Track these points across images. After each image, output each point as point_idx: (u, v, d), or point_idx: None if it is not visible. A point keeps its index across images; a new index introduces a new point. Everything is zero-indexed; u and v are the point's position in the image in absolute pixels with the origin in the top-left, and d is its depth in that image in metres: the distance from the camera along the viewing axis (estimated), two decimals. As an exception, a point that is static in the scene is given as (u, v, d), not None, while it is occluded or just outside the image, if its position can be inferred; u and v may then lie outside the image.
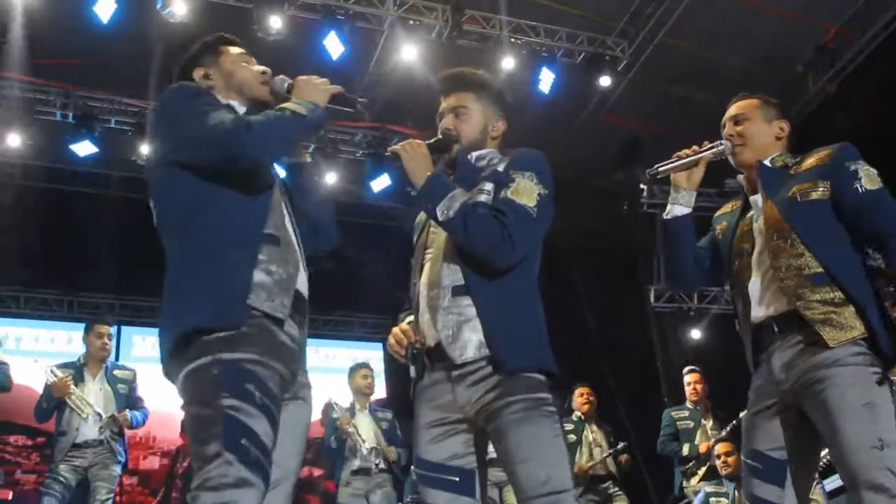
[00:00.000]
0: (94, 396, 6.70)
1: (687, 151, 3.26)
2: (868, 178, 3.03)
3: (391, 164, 3.14)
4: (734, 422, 7.51)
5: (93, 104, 9.86)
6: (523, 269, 2.91)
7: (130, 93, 9.88)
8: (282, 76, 2.90)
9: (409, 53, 9.20)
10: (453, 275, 2.88)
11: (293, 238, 2.74)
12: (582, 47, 9.81)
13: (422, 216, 3.19)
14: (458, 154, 3.06)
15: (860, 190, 3.01)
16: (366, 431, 7.39)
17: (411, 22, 9.11)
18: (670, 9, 9.91)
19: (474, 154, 3.09)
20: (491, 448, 2.86)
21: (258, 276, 2.52)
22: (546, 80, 9.51)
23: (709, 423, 7.69)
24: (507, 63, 9.30)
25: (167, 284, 2.61)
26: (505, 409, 2.73)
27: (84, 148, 9.79)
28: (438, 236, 2.98)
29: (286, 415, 2.55)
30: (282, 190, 2.85)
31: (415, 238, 3.16)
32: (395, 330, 3.02)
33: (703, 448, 7.44)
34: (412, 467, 3.01)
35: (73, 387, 6.54)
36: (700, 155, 3.24)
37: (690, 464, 7.51)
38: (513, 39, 9.43)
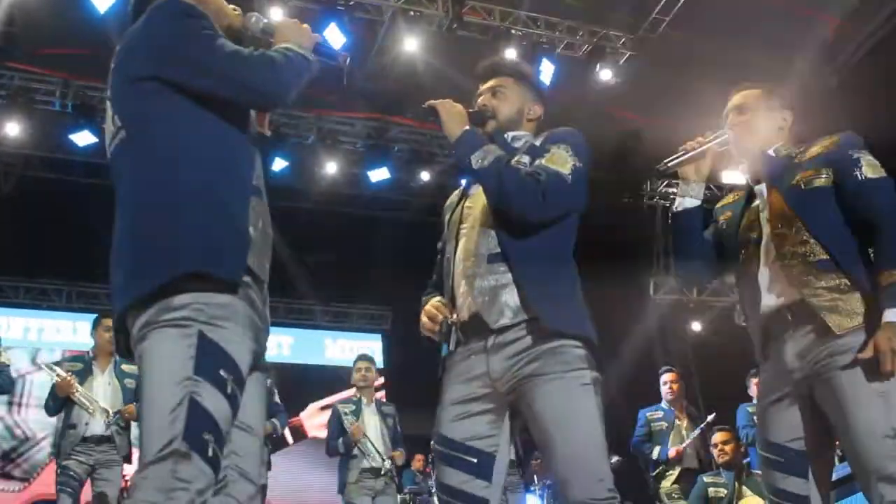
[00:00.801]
0: (102, 390, 6.69)
1: (692, 143, 3.24)
2: (869, 166, 3.00)
3: (427, 118, 3.03)
4: (702, 425, 7.57)
5: (92, 94, 9.86)
6: (559, 240, 2.91)
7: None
8: (256, 14, 2.66)
9: (409, 44, 9.18)
10: (489, 242, 2.87)
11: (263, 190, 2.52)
12: (583, 39, 9.79)
13: (453, 197, 3.22)
14: (493, 132, 3.07)
15: (860, 177, 2.98)
16: (373, 431, 7.35)
17: (412, 13, 9.09)
18: (671, 1, 9.89)
19: (510, 134, 3.10)
20: None
21: (251, 231, 2.32)
22: (546, 71, 9.50)
23: (683, 424, 7.66)
24: (510, 54, 9.27)
25: (136, 227, 2.33)
26: (539, 387, 2.72)
27: (83, 138, 9.80)
28: (474, 209, 2.98)
29: (250, 382, 2.35)
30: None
31: (447, 217, 3.15)
32: (427, 307, 2.98)
33: (672, 454, 7.42)
34: (433, 443, 2.96)
35: (76, 385, 6.54)
36: (706, 146, 3.22)
37: (660, 467, 7.50)
38: (514, 31, 9.41)
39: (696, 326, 12.56)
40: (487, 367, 2.81)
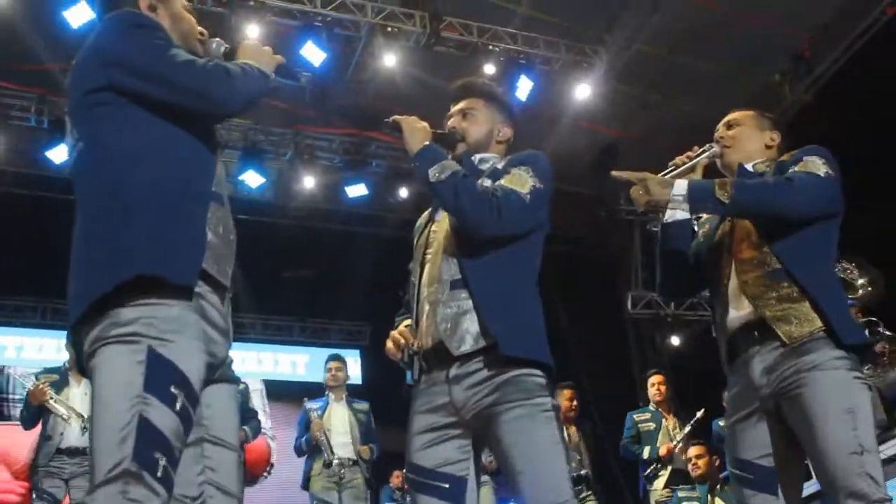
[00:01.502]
0: (79, 401, 6.64)
1: (682, 158, 3.26)
2: (809, 165, 3.02)
3: (389, 133, 3.03)
4: (692, 421, 7.62)
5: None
6: (520, 263, 2.92)
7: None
8: (218, 39, 2.69)
9: (387, 60, 9.19)
10: (451, 269, 2.88)
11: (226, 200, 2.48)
12: (560, 54, 9.83)
13: (422, 220, 3.22)
14: (461, 154, 3.08)
15: (791, 171, 3.03)
16: (341, 423, 7.39)
17: (389, 29, 9.11)
18: (647, 16, 9.95)
19: (478, 156, 3.12)
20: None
21: (209, 235, 2.28)
22: (524, 87, 9.53)
23: (670, 424, 7.74)
24: (488, 70, 9.31)
25: (88, 234, 2.28)
26: (502, 416, 2.73)
27: (60, 154, 9.74)
28: (439, 234, 2.99)
29: (218, 394, 2.34)
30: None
31: (415, 240, 3.16)
32: (394, 333, 3.01)
33: (663, 451, 7.46)
34: (405, 472, 2.95)
35: (50, 392, 6.49)
36: (695, 160, 3.25)
37: (652, 467, 7.54)
38: (491, 47, 9.44)
39: (675, 341, 12.58)
40: (450, 398, 2.81)
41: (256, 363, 13.54)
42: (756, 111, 3.39)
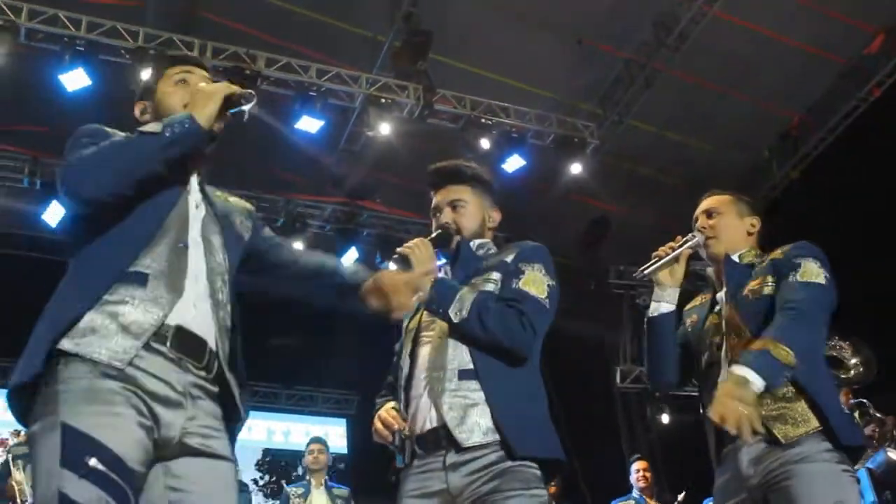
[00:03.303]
0: None
1: (665, 249, 3.26)
2: (808, 272, 2.99)
3: (397, 264, 2.99)
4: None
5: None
6: (529, 360, 2.91)
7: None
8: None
9: (380, 131, 9.26)
10: (460, 357, 2.84)
11: (190, 270, 2.38)
12: (552, 129, 9.93)
13: None
14: (458, 243, 3.07)
15: (792, 280, 2.99)
16: None
17: (383, 100, 9.19)
18: (638, 93, 10.10)
19: (475, 243, 3.12)
20: None
21: (96, 318, 2.21)
22: (513, 163, 9.59)
23: None
24: (485, 145, 9.40)
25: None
26: (501, 503, 2.68)
27: (53, 215, 9.74)
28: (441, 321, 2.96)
29: (200, 469, 2.27)
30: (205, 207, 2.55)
31: (405, 322, 3.11)
32: (383, 414, 2.93)
33: None
34: None
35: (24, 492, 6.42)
36: (679, 251, 3.24)
37: None
38: (483, 120, 9.53)
39: (665, 418, 12.51)
40: (447, 484, 2.76)
41: (247, 431, 13.42)
42: (733, 196, 3.38)
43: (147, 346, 2.23)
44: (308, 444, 7.68)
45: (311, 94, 8.93)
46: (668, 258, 3.22)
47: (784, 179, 11.10)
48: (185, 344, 2.31)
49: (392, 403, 2.99)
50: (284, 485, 7.52)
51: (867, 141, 10.02)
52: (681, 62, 9.73)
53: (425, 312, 3.02)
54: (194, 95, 2.45)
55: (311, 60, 9.05)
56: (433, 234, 3.05)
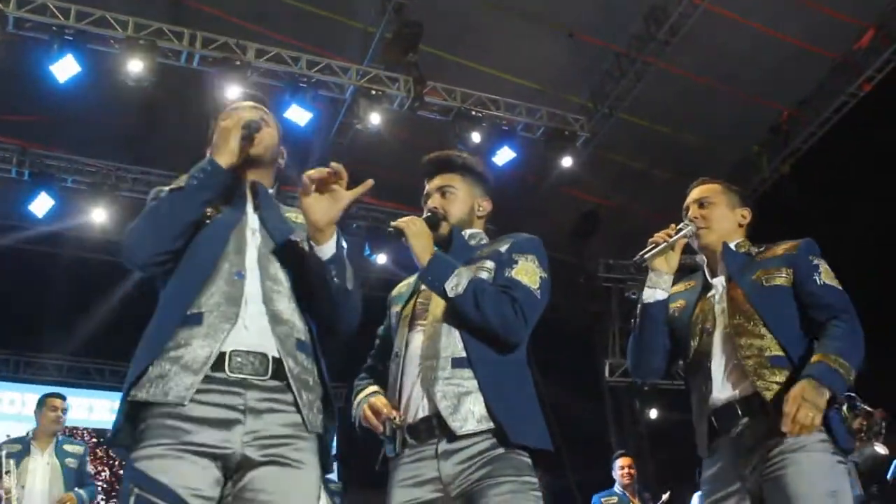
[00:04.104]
0: (40, 472, 6.51)
1: (662, 235, 3.26)
2: (827, 274, 3.09)
3: (391, 240, 2.99)
4: (659, 503, 7.65)
5: (49, 162, 9.80)
6: (519, 348, 2.92)
7: (88, 152, 9.85)
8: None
9: (370, 123, 9.24)
10: (454, 346, 2.84)
11: (244, 298, 2.49)
12: (542, 122, 9.92)
13: (403, 287, 3.19)
14: (449, 231, 3.07)
15: (818, 282, 3.06)
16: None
17: (374, 92, 9.17)
18: (629, 86, 10.10)
19: (467, 232, 3.12)
20: None
21: (162, 365, 2.39)
22: (504, 155, 9.59)
23: None
24: (475, 138, 9.38)
25: None
26: (492, 489, 2.68)
27: (42, 205, 9.69)
28: (435, 308, 2.94)
29: (267, 479, 2.36)
30: (261, 234, 2.65)
31: (396, 308, 3.12)
32: (374, 402, 2.94)
33: None
34: None
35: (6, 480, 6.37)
36: (676, 238, 3.25)
37: None
38: (474, 112, 9.52)
39: (653, 413, 12.54)
40: (439, 472, 2.76)
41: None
42: (723, 185, 3.40)
43: (208, 378, 2.37)
44: None
45: (302, 85, 8.91)
46: (665, 244, 3.22)
47: (774, 173, 11.13)
48: (244, 363, 2.42)
49: (374, 387, 3.02)
50: None
51: (857, 136, 10.04)
52: (671, 56, 9.73)
53: (419, 299, 3.02)
54: (216, 136, 2.65)
55: (302, 51, 9.02)
56: (422, 217, 3.04)
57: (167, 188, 2.57)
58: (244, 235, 2.59)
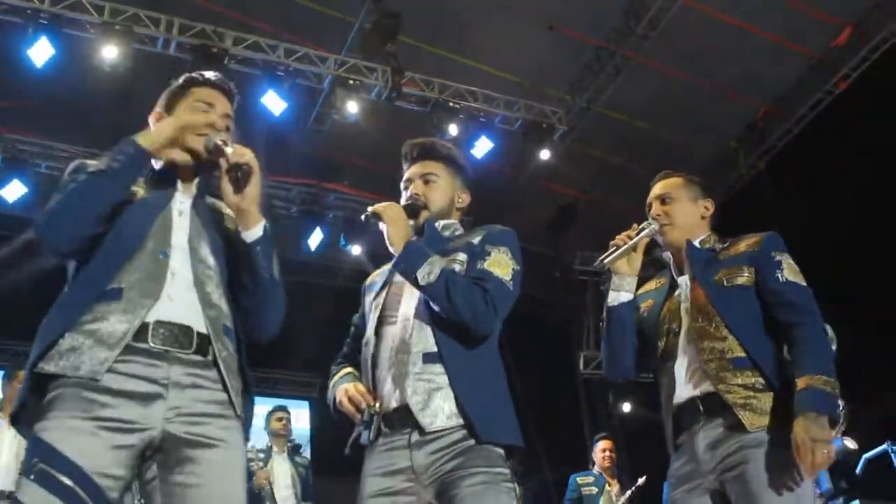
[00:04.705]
0: (8, 444, 6.46)
1: (622, 237, 3.26)
2: (790, 270, 3.07)
3: (368, 225, 2.96)
4: (633, 487, 7.78)
5: (23, 147, 9.70)
6: (490, 341, 2.91)
7: (62, 137, 9.76)
8: (214, 134, 2.58)
9: (348, 112, 9.20)
10: (425, 341, 2.83)
11: (169, 276, 2.43)
12: (519, 114, 9.92)
13: (376, 276, 3.17)
14: (425, 222, 3.06)
15: (780, 279, 3.05)
16: (283, 477, 7.31)
17: (351, 81, 9.14)
18: (607, 80, 10.11)
19: (441, 223, 3.11)
20: None
21: (75, 338, 2.30)
22: (482, 146, 9.59)
23: (613, 490, 7.86)
24: (452, 130, 9.36)
25: None
26: (464, 480, 2.68)
27: (14, 191, 9.59)
28: (407, 300, 2.94)
29: (193, 460, 2.30)
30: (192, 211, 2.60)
31: (369, 298, 3.10)
32: (350, 390, 2.92)
33: None
34: None
35: None
36: (636, 240, 3.24)
37: None
38: (451, 104, 9.51)
39: (626, 406, 12.60)
40: (411, 462, 2.76)
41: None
42: (684, 178, 3.39)
43: (128, 348, 2.30)
44: (274, 412, 7.69)
45: (279, 73, 8.86)
46: (625, 247, 3.22)
47: (751, 170, 11.18)
48: (168, 334, 2.36)
49: (349, 369, 3.03)
50: (251, 446, 7.44)
51: (833, 133, 10.10)
52: (650, 50, 9.75)
53: (392, 290, 3.01)
54: (172, 120, 2.58)
55: (280, 40, 8.97)
56: (402, 205, 3.03)
57: (89, 165, 2.49)
58: (171, 217, 2.54)
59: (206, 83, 2.76)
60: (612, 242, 3.25)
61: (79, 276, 2.43)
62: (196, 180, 2.66)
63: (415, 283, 2.83)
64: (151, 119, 2.70)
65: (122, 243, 2.42)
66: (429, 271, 2.81)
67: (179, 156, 2.54)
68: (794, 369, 2.91)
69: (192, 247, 2.51)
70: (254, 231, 2.54)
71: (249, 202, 2.52)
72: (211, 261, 2.54)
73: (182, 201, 2.59)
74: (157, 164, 2.63)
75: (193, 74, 2.82)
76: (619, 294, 3.26)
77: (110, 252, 2.41)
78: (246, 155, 2.50)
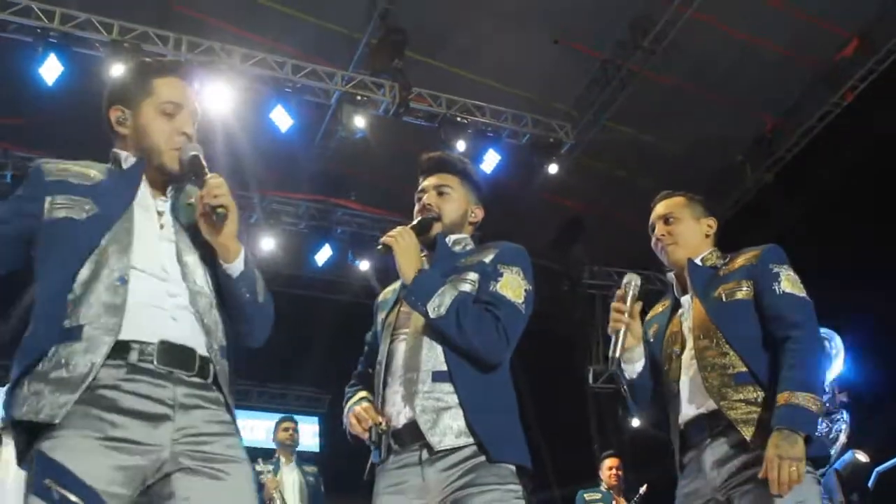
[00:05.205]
0: (14, 465, 6.44)
1: (617, 318, 3.10)
2: (788, 281, 3.04)
3: (380, 253, 2.93)
4: (636, 497, 7.84)
5: (32, 165, 9.71)
6: (502, 364, 2.92)
7: (71, 155, 9.78)
8: (193, 145, 2.49)
9: (355, 129, 9.21)
10: (434, 359, 2.83)
11: (128, 299, 2.29)
12: (527, 129, 9.93)
13: (388, 294, 3.17)
14: (436, 236, 3.06)
15: (777, 291, 3.03)
16: (290, 488, 7.32)
17: (359, 97, 9.16)
18: (614, 94, 10.11)
19: (452, 237, 3.10)
20: None
21: (37, 386, 2.22)
22: (490, 161, 9.61)
23: None
24: (460, 145, 9.37)
25: None
26: (477, 497, 2.69)
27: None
28: (417, 318, 2.92)
29: (200, 482, 2.25)
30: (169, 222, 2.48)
31: (381, 315, 3.11)
32: (358, 410, 2.92)
33: None
34: None
35: None
36: (630, 307, 3.11)
37: None
38: (459, 119, 9.52)
39: (635, 421, 12.55)
40: (423, 479, 2.76)
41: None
42: (686, 197, 3.37)
43: (134, 367, 2.25)
44: (281, 422, 7.71)
45: (287, 90, 8.90)
46: (625, 327, 3.10)
47: (758, 182, 11.16)
48: (172, 356, 2.30)
49: (363, 394, 3.00)
50: (253, 465, 7.43)
51: (840, 145, 10.08)
52: (657, 64, 9.75)
53: (402, 308, 3.01)
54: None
55: (287, 56, 9.00)
56: (414, 223, 3.04)
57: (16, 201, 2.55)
58: (134, 225, 2.40)
59: (166, 70, 2.58)
60: (609, 331, 3.14)
61: (39, 302, 2.33)
62: (169, 188, 2.54)
63: (425, 315, 2.83)
64: (113, 115, 2.57)
65: (73, 262, 2.31)
66: (439, 303, 2.81)
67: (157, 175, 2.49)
68: (779, 384, 2.87)
69: (182, 261, 2.43)
70: (235, 265, 2.45)
71: (227, 238, 2.44)
72: (201, 276, 2.45)
73: (159, 206, 2.49)
74: (125, 163, 2.55)
75: (148, 61, 2.69)
76: (634, 366, 3.23)
77: (63, 273, 2.31)
78: (221, 195, 2.39)
